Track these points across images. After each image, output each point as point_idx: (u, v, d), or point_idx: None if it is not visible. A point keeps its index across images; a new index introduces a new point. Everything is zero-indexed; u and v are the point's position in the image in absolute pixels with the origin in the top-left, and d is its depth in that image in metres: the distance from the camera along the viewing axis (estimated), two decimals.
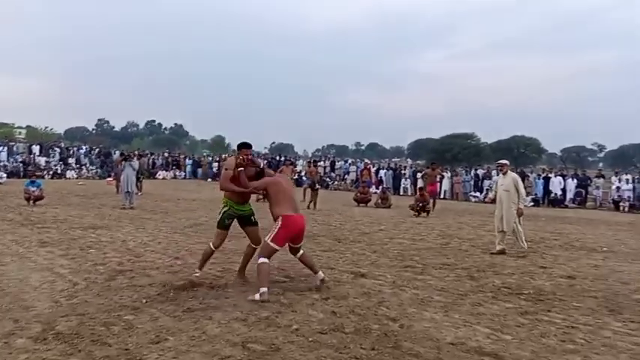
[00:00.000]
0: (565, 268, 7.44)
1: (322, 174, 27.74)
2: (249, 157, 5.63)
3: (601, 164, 60.44)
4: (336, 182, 29.56)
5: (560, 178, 24.91)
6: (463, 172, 27.64)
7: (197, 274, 5.76)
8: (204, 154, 47.54)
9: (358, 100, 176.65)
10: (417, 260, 7.77)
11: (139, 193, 17.15)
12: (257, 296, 5.04)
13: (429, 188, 16.52)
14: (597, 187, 24.32)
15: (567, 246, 9.84)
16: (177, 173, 33.95)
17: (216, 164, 33.51)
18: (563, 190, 24.20)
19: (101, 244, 8.15)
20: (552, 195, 23.95)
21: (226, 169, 5.58)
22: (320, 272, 5.72)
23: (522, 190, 8.78)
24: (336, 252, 8.26)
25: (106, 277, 5.96)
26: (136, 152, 26.50)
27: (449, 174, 26.97)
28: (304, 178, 19.97)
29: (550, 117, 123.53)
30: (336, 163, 32.97)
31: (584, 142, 72.30)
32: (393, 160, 65.35)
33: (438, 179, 18.52)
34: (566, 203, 23.56)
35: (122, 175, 14.65)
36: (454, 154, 57.22)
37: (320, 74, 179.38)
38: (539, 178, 25.34)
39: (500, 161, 9.37)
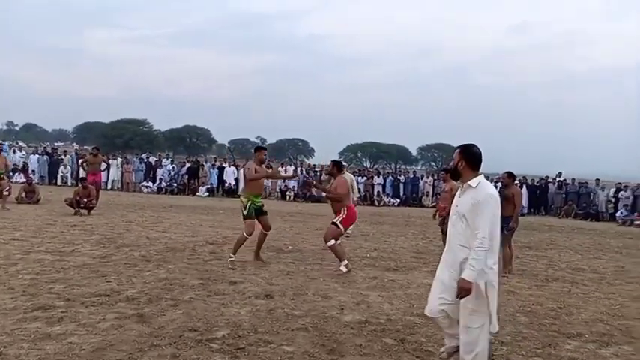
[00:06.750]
0: (258, 281, 6.09)
1: None
2: None
3: None
4: None
5: (234, 168, 25.06)
6: (135, 160, 24.80)
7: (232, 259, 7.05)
8: None
9: (14, 74, 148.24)
10: (58, 292, 5.16)
11: None
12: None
13: (90, 178, 13.38)
14: None
15: (252, 246, 8.72)
16: None
17: None
18: (237, 180, 24.34)
19: None
20: (227, 185, 23.81)
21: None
22: None
23: None
24: None
25: None
26: None
27: (118, 161, 23.83)
28: None
29: (221, 109, 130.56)
30: None
31: (249, 135, 77.95)
32: (56, 144, 56.68)
33: (102, 168, 15.30)
34: (240, 193, 23.78)
35: None
36: (126, 141, 53.91)
37: None
38: (213, 168, 24.90)
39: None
